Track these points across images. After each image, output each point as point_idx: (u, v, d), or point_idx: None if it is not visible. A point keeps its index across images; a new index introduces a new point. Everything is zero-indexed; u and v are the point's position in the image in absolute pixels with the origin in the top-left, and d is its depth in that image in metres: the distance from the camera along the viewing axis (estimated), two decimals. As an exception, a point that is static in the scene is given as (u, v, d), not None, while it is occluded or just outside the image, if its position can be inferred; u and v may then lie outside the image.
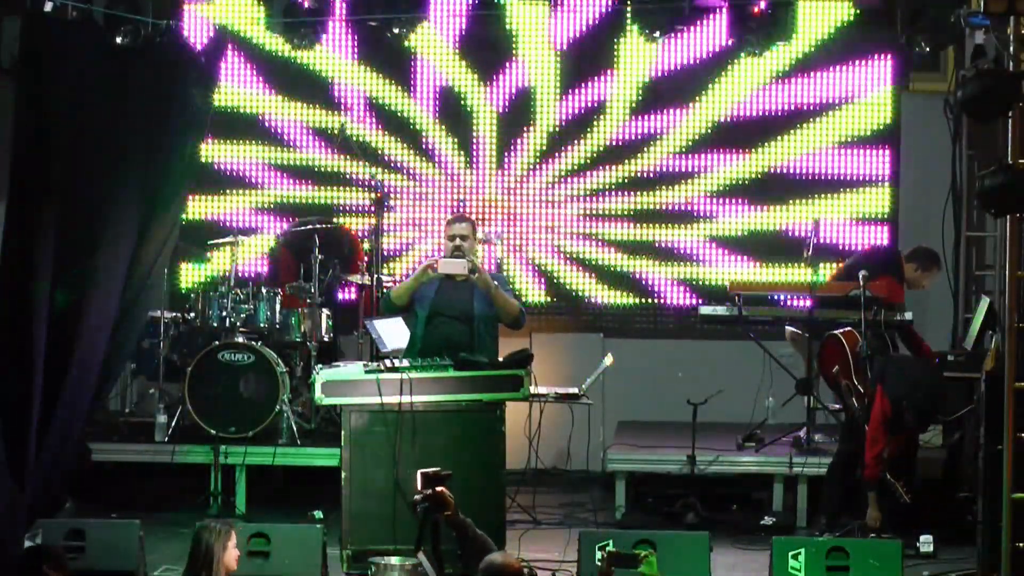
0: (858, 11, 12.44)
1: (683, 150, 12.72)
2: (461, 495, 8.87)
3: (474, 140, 12.81)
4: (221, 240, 11.91)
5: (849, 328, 10.43)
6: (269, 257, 12.50)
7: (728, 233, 12.77)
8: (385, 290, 10.55)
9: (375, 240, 11.28)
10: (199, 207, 12.77)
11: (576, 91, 12.74)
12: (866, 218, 12.68)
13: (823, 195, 12.69)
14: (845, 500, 10.21)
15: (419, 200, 12.85)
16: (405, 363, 9.19)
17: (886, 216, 12.67)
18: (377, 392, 9.04)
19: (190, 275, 12.64)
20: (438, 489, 7.35)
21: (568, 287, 12.85)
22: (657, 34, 12.42)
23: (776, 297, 11.45)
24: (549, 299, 12.90)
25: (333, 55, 12.69)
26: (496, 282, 9.72)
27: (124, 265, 9.71)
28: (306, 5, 11.96)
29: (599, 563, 7.30)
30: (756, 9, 11.75)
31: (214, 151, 12.69)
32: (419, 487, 7.38)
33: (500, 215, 12.84)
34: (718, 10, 12.26)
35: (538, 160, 12.80)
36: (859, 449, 9.95)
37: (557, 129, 12.77)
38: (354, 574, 9.00)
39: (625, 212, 12.77)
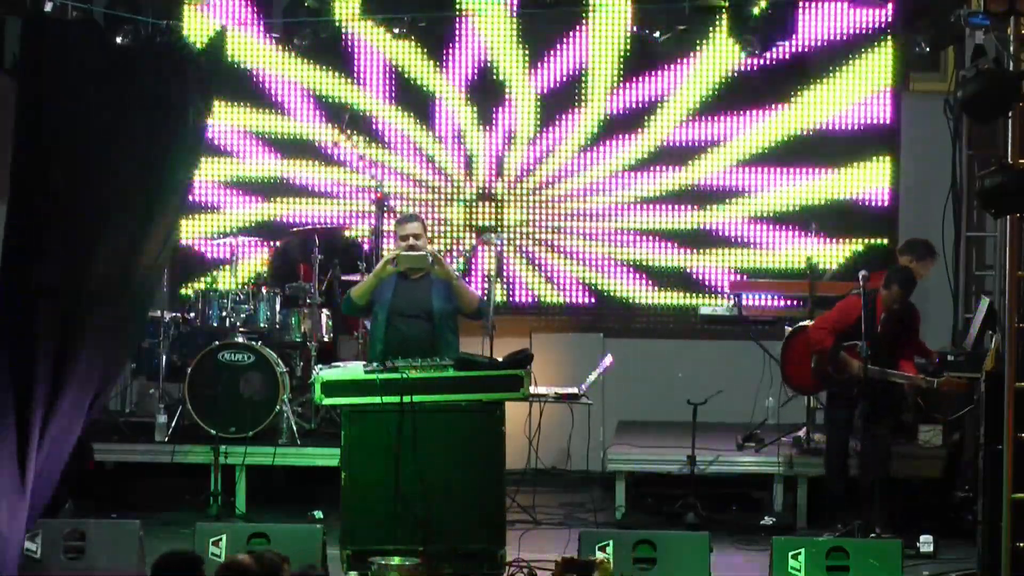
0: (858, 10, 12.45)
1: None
2: (461, 495, 8.96)
3: (475, 158, 12.93)
4: (221, 240, 11.91)
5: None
6: (277, 255, 12.47)
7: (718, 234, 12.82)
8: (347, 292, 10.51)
9: (375, 240, 11.27)
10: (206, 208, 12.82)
11: (556, 121, 12.90)
12: (866, 218, 12.67)
13: (822, 195, 12.69)
14: (845, 500, 10.22)
15: (425, 204, 12.93)
16: (405, 363, 9.19)
17: (885, 216, 12.66)
18: (377, 392, 9.04)
19: (190, 281, 12.64)
20: None
21: (564, 276, 12.93)
22: (657, 34, 12.45)
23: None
24: (552, 299, 12.91)
25: (368, 94, 12.89)
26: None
27: (124, 265, 9.72)
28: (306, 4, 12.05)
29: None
30: (756, 9, 11.75)
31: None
32: None
33: (499, 218, 12.89)
34: (716, 19, 12.37)
35: (530, 171, 12.91)
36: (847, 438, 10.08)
37: (543, 150, 12.92)
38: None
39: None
